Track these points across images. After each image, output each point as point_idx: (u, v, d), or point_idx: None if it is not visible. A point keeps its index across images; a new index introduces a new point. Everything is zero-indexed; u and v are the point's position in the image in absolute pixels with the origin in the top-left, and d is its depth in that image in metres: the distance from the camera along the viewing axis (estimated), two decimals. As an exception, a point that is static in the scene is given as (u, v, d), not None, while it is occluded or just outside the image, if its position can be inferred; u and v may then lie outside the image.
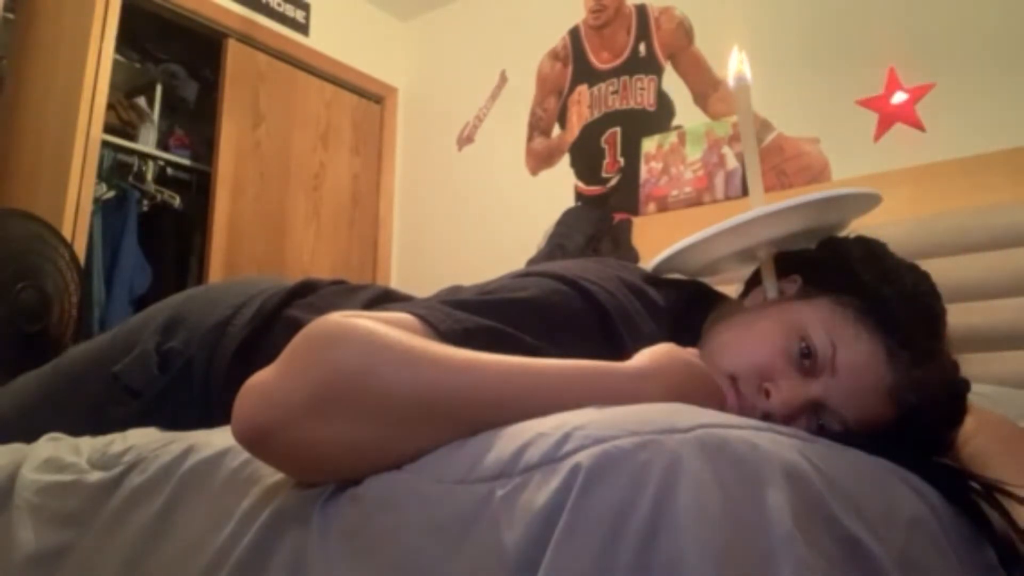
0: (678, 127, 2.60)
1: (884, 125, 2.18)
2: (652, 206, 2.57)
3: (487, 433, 0.50)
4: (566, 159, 2.87)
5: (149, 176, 2.83)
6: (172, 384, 0.88)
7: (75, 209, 2.31)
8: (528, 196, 2.91)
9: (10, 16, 2.63)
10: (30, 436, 0.84)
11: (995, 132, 1.95)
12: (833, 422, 0.71)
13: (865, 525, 0.47)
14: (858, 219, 0.85)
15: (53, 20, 2.54)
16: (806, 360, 0.71)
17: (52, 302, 1.94)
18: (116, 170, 2.74)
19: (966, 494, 0.61)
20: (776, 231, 0.79)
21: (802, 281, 0.80)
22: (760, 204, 0.77)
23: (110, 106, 2.67)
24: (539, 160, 2.94)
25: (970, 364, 0.84)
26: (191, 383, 0.88)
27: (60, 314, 1.96)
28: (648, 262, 0.93)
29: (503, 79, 3.11)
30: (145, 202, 2.82)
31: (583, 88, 2.88)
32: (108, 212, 2.66)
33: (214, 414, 0.78)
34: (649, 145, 2.64)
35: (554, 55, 2.98)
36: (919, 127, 2.12)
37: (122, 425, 0.81)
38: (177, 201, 2.89)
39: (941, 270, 0.83)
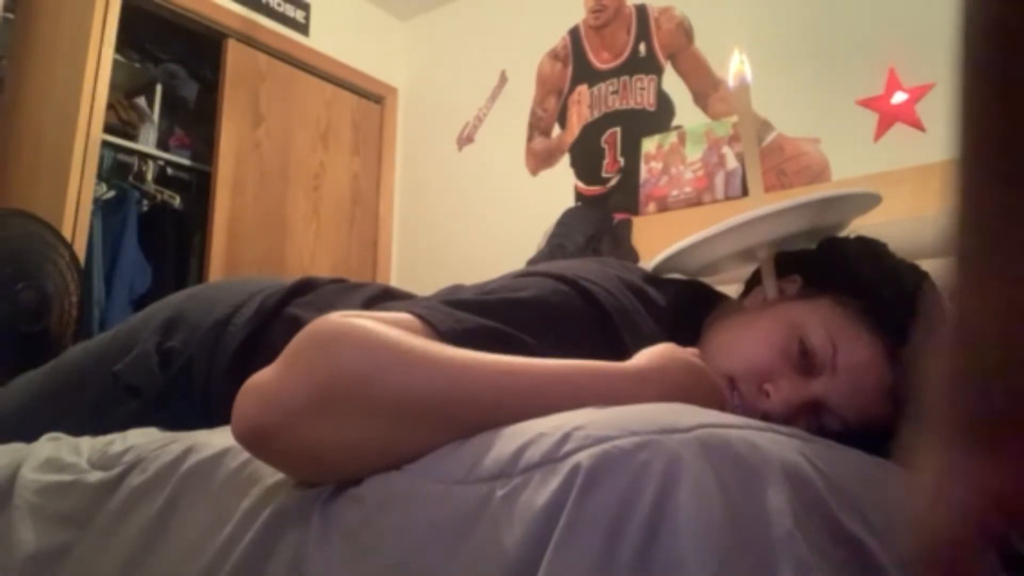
0: (678, 127, 2.60)
1: (884, 125, 2.18)
2: (652, 206, 2.57)
3: (487, 433, 0.50)
4: (566, 159, 2.87)
5: (149, 176, 2.83)
6: (172, 383, 0.88)
7: (75, 209, 2.31)
8: (528, 196, 2.91)
9: (10, 16, 2.63)
10: (30, 436, 0.84)
11: (995, 132, 1.95)
12: (833, 422, 0.71)
13: (865, 525, 0.47)
14: (858, 219, 0.85)
15: (53, 20, 2.54)
16: (806, 360, 0.71)
17: (52, 302, 1.94)
18: (116, 170, 2.75)
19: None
20: (776, 231, 0.79)
21: (802, 281, 0.80)
22: (760, 204, 0.77)
23: (110, 106, 2.66)
24: (539, 160, 2.94)
25: (970, 364, 0.84)
26: (191, 382, 0.88)
27: (60, 314, 1.96)
28: (648, 262, 0.93)
29: (503, 79, 3.11)
30: (145, 202, 2.83)
31: (583, 88, 2.88)
32: (108, 212, 2.66)
33: (214, 413, 0.78)
34: (649, 145, 2.64)
35: (554, 55, 2.98)
36: (919, 127, 2.12)
37: (122, 425, 0.81)
38: (177, 201, 2.89)
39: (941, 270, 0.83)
